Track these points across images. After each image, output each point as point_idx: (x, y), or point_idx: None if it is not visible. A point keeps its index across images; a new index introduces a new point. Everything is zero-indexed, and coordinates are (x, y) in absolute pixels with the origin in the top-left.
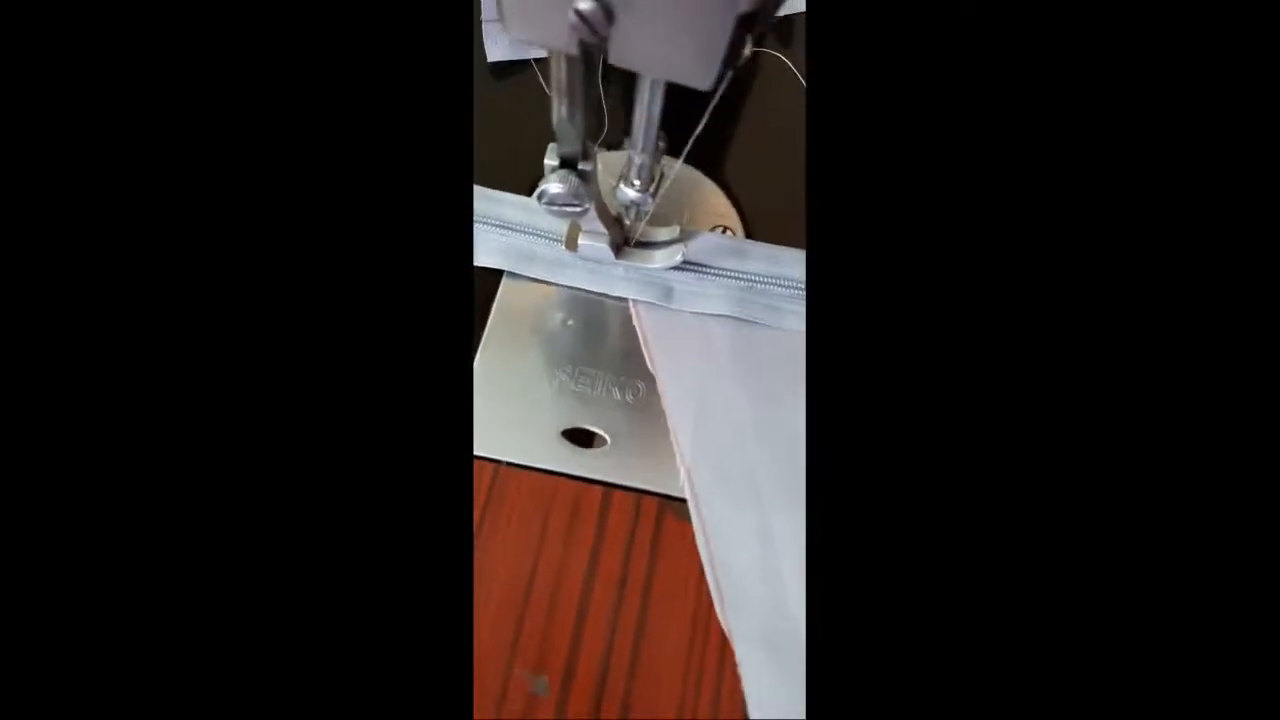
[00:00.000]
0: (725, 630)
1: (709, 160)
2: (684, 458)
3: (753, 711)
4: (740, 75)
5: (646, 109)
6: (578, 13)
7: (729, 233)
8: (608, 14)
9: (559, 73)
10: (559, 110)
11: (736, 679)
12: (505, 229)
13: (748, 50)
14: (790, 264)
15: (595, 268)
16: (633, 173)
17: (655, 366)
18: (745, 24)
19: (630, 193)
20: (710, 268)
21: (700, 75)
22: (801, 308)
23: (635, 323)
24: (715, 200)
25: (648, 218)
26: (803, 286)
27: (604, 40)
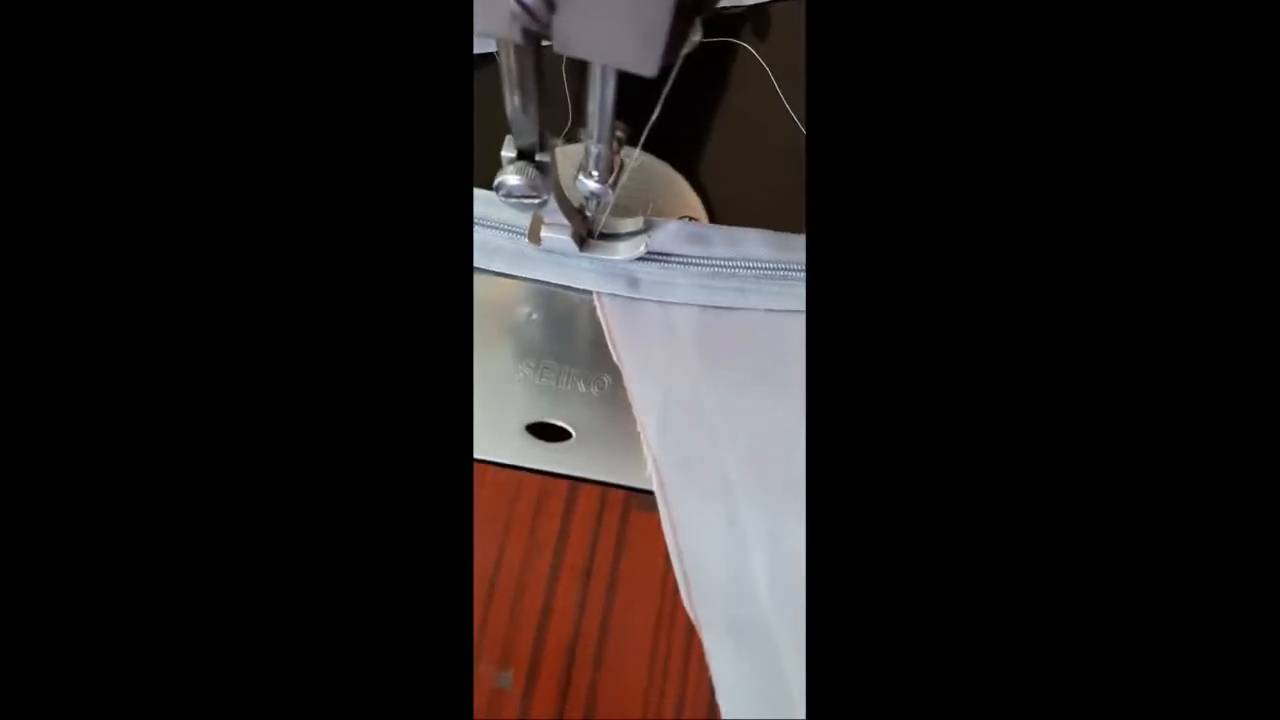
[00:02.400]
0: (693, 620)
1: (676, 153)
2: (651, 449)
3: (721, 700)
4: (709, 66)
5: (600, 96)
6: (518, 1)
7: (694, 223)
8: (548, 2)
9: (508, 62)
10: (512, 101)
11: (703, 670)
12: None
13: (696, 36)
14: (752, 244)
15: (560, 260)
16: (590, 163)
17: (620, 358)
18: (686, 10)
19: (590, 184)
20: (674, 256)
21: (644, 62)
22: (769, 287)
23: (600, 315)
24: (682, 192)
25: (609, 209)
26: (768, 266)
27: (547, 28)
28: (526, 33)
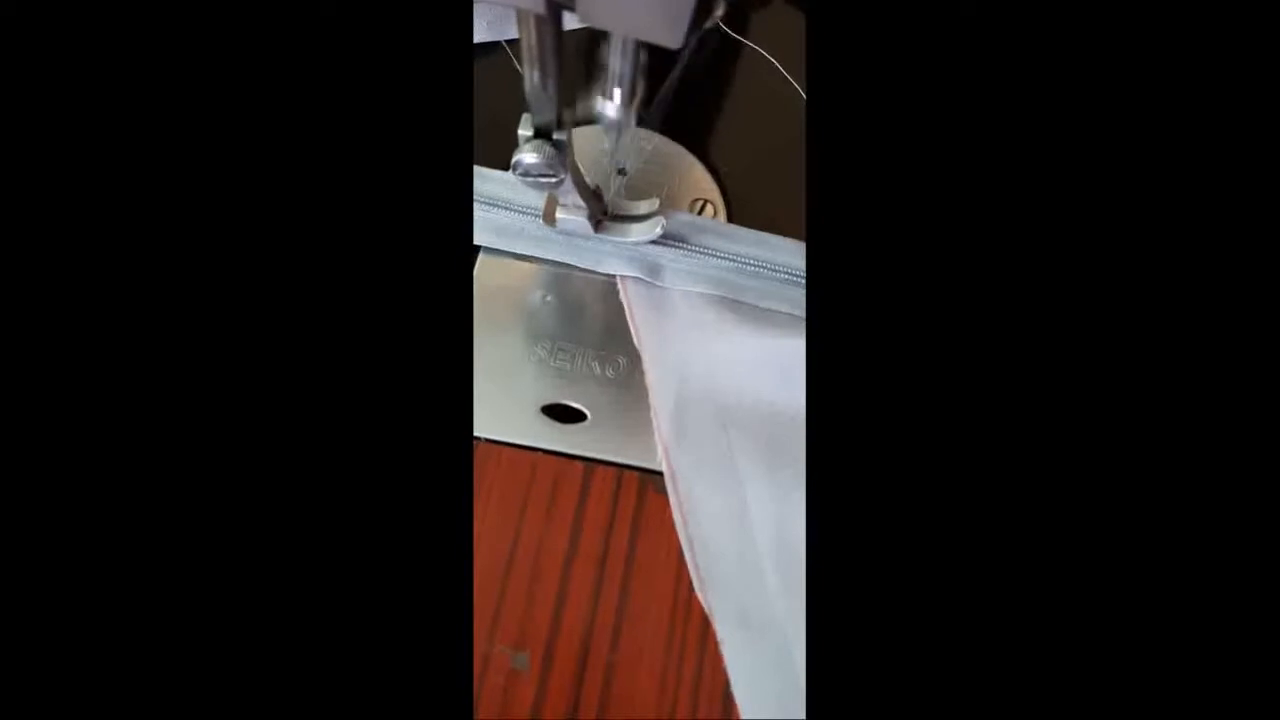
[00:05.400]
0: (706, 610)
1: (689, 135)
2: (662, 435)
3: (736, 690)
4: (721, 49)
5: None
6: None
7: (710, 207)
8: None
9: (529, 37)
10: (531, 77)
11: (719, 656)
12: (485, 204)
13: (719, 10)
14: (780, 250)
15: (581, 244)
16: (612, 82)
17: (641, 343)
18: None
19: (610, 109)
20: (694, 244)
21: (668, 33)
22: (792, 293)
23: (623, 299)
24: (696, 175)
25: (623, 186)
26: (793, 273)
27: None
28: (550, 3)
